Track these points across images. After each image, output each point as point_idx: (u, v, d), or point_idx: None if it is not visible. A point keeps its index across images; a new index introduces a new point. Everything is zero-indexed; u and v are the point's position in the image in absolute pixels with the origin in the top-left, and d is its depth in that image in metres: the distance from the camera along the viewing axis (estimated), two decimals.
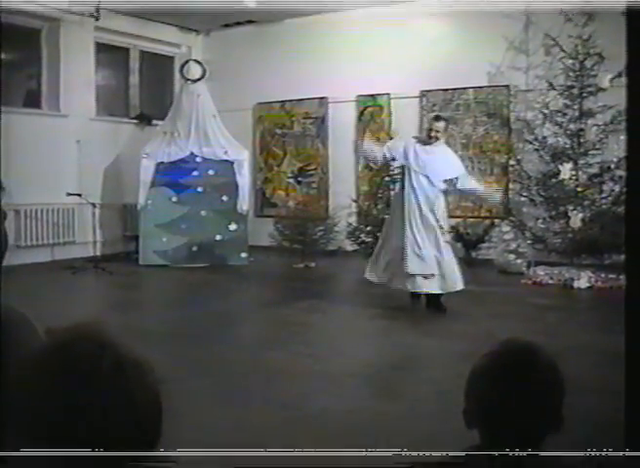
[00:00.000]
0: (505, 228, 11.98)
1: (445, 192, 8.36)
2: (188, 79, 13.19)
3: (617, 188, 10.55)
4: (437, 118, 8.55)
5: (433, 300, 8.43)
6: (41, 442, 1.17)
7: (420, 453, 1.64)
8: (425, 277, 8.23)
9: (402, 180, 8.62)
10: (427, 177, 8.19)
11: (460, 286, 8.27)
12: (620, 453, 1.44)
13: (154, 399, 1.25)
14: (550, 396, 1.71)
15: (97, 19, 12.84)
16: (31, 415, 1.18)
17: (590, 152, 10.75)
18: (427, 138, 8.35)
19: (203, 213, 12.55)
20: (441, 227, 8.18)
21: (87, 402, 1.16)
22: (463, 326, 7.76)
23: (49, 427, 1.17)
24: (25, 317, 1.63)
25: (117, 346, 1.23)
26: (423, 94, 13.04)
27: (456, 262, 8.28)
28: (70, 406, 1.16)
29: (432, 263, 8.15)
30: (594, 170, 10.76)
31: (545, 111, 11.15)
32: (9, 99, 11.88)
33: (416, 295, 8.50)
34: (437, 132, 8.24)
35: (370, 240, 12.51)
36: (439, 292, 8.33)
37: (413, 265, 8.22)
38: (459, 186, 8.38)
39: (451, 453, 1.70)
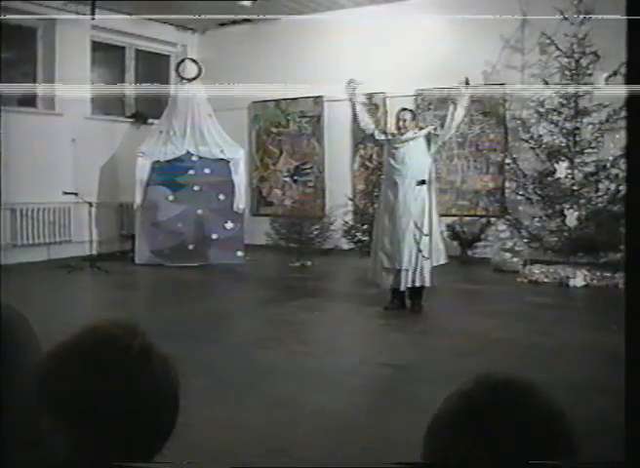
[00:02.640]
0: (501, 227, 12.00)
1: (425, 183, 8.28)
2: (184, 78, 13.19)
3: (612, 187, 10.57)
4: (403, 109, 8.57)
5: (412, 299, 8.45)
6: (67, 418, 1.19)
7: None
8: (399, 270, 8.24)
9: (383, 177, 8.69)
10: (404, 170, 8.19)
11: (426, 283, 8.27)
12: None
13: (174, 391, 1.28)
14: (550, 450, 1.17)
15: (92, 17, 12.82)
16: (59, 394, 1.20)
17: (586, 151, 10.76)
18: (398, 131, 8.39)
19: (199, 211, 12.54)
20: (417, 227, 8.15)
21: (114, 383, 1.19)
22: (459, 324, 7.77)
23: (76, 405, 1.19)
24: (24, 319, 1.63)
25: (146, 335, 1.27)
26: (419, 92, 13.04)
27: (427, 264, 8.24)
28: (97, 386, 1.19)
29: (407, 257, 8.16)
30: (590, 168, 10.77)
31: (541, 110, 11.16)
32: (4, 98, 11.87)
33: (398, 296, 8.50)
34: (404, 121, 8.28)
35: (366, 238, 12.52)
36: (403, 288, 8.32)
37: (388, 259, 8.30)
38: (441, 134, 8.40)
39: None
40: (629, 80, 1.07)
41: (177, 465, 1.36)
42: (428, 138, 8.32)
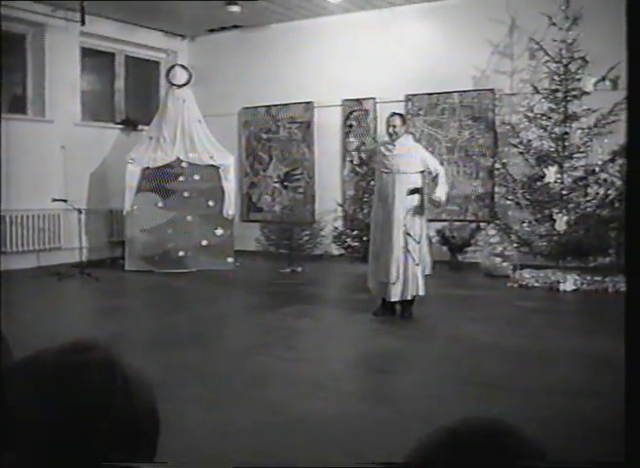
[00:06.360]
0: (491, 231, 12.02)
1: (418, 191, 8.26)
2: (174, 84, 13.18)
3: (601, 191, 10.60)
4: (393, 114, 8.52)
5: (402, 306, 8.41)
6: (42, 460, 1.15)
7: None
8: (388, 284, 8.20)
9: (376, 186, 8.68)
10: (395, 177, 8.16)
11: (420, 292, 8.23)
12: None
13: (154, 418, 1.25)
14: None
15: (82, 23, 12.81)
16: (33, 435, 1.16)
17: (575, 155, 10.79)
18: (389, 137, 8.37)
19: (189, 218, 12.54)
20: (408, 234, 8.11)
21: (94, 423, 1.15)
22: (449, 329, 7.78)
23: (52, 447, 1.15)
24: None
25: (125, 368, 1.21)
26: (409, 98, 13.07)
27: (419, 271, 8.22)
28: (75, 425, 1.14)
29: (395, 270, 8.13)
30: (579, 173, 10.80)
31: (530, 115, 11.19)
32: None
33: (388, 302, 8.44)
34: (394, 126, 8.22)
35: (356, 244, 12.53)
36: (396, 299, 8.25)
37: (378, 272, 8.28)
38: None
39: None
40: (630, 81, 1.08)
41: (173, 466, 1.35)
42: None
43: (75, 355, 1.19)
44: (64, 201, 11.83)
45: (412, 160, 8.17)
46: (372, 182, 10.93)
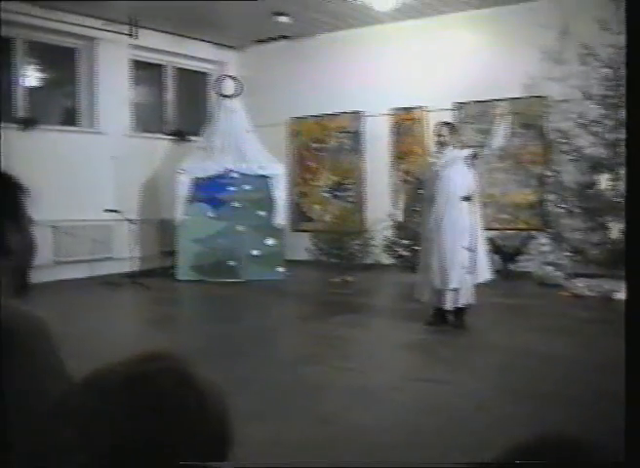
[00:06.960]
0: (543, 240, 11.88)
1: (469, 198, 8.20)
2: (223, 95, 13.26)
3: None
4: (441, 124, 8.47)
5: (455, 315, 8.34)
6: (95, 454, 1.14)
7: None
8: (442, 291, 8.15)
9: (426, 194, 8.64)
10: (443, 187, 8.10)
11: (471, 300, 8.20)
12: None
13: (227, 428, 1.23)
14: None
15: (132, 36, 12.95)
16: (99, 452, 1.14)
17: None
18: (437, 147, 8.32)
19: (239, 227, 12.58)
20: (462, 243, 8.03)
21: (168, 438, 1.13)
22: (503, 338, 7.70)
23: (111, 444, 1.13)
24: (40, 323, 1.57)
25: (199, 381, 1.20)
26: (459, 106, 12.99)
27: (471, 279, 8.14)
28: (147, 439, 1.13)
29: (450, 277, 8.08)
30: None
31: (582, 121, 11.05)
32: (47, 118, 12.09)
33: (441, 312, 8.40)
34: (443, 136, 8.20)
35: (407, 254, 12.47)
36: (449, 307, 8.21)
37: (432, 280, 8.21)
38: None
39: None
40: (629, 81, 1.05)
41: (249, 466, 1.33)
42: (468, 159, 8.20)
43: (149, 364, 1.19)
44: (116, 211, 11.94)
45: (460, 168, 8.11)
46: (425, 194, 10.88)
